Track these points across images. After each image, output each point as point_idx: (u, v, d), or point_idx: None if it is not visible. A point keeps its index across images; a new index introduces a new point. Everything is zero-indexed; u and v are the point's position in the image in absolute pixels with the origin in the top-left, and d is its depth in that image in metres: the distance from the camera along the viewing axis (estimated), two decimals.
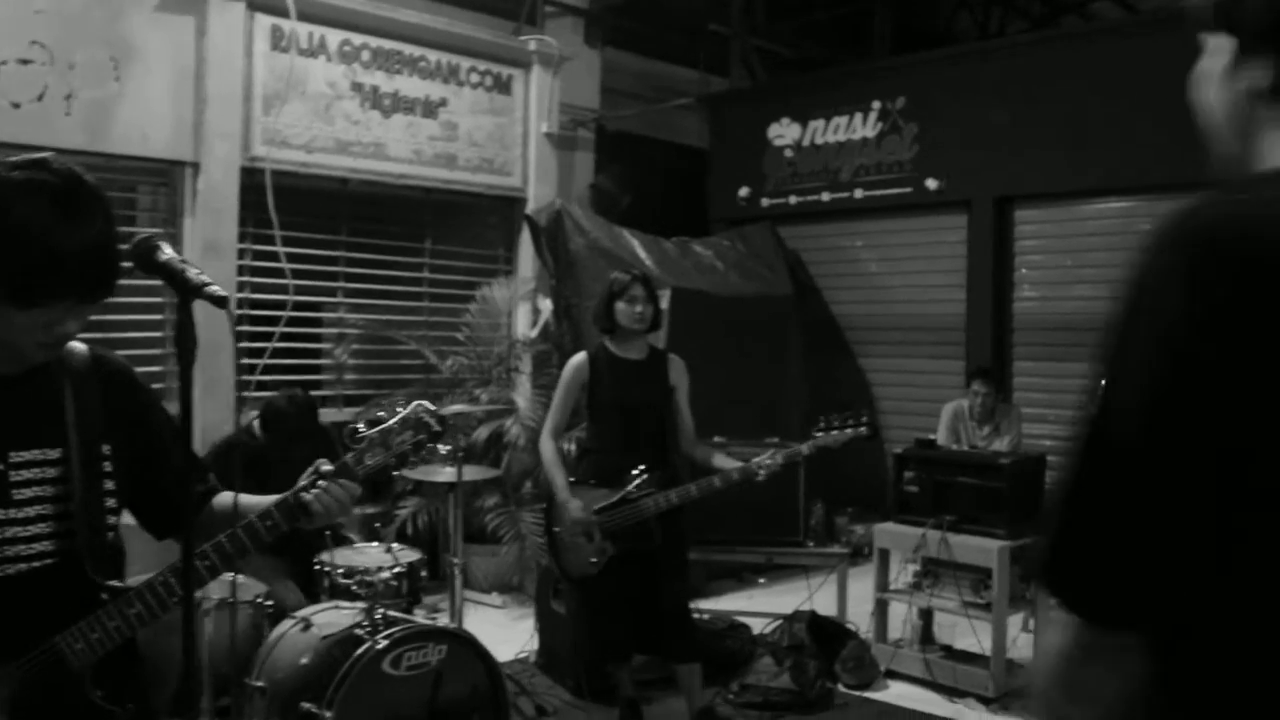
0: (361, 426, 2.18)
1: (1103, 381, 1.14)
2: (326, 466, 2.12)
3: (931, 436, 6.68)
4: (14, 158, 1.81)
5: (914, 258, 8.79)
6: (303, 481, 2.10)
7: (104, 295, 1.88)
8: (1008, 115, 7.94)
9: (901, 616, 5.72)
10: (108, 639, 1.96)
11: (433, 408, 2.23)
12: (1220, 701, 1.11)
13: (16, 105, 5.75)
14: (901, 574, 5.79)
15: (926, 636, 5.67)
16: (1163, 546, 1.09)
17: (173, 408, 5.65)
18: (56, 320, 1.84)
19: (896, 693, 5.48)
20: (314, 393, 7.01)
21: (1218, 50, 1.29)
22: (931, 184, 8.45)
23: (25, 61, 5.78)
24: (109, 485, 2.05)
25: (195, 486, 2.14)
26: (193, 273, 1.75)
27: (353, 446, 2.16)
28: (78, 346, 2.08)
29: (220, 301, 1.73)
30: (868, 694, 5.44)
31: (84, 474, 2.01)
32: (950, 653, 5.59)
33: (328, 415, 7.13)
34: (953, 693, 5.37)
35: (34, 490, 1.95)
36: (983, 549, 5.29)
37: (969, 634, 5.38)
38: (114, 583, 2.00)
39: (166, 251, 1.77)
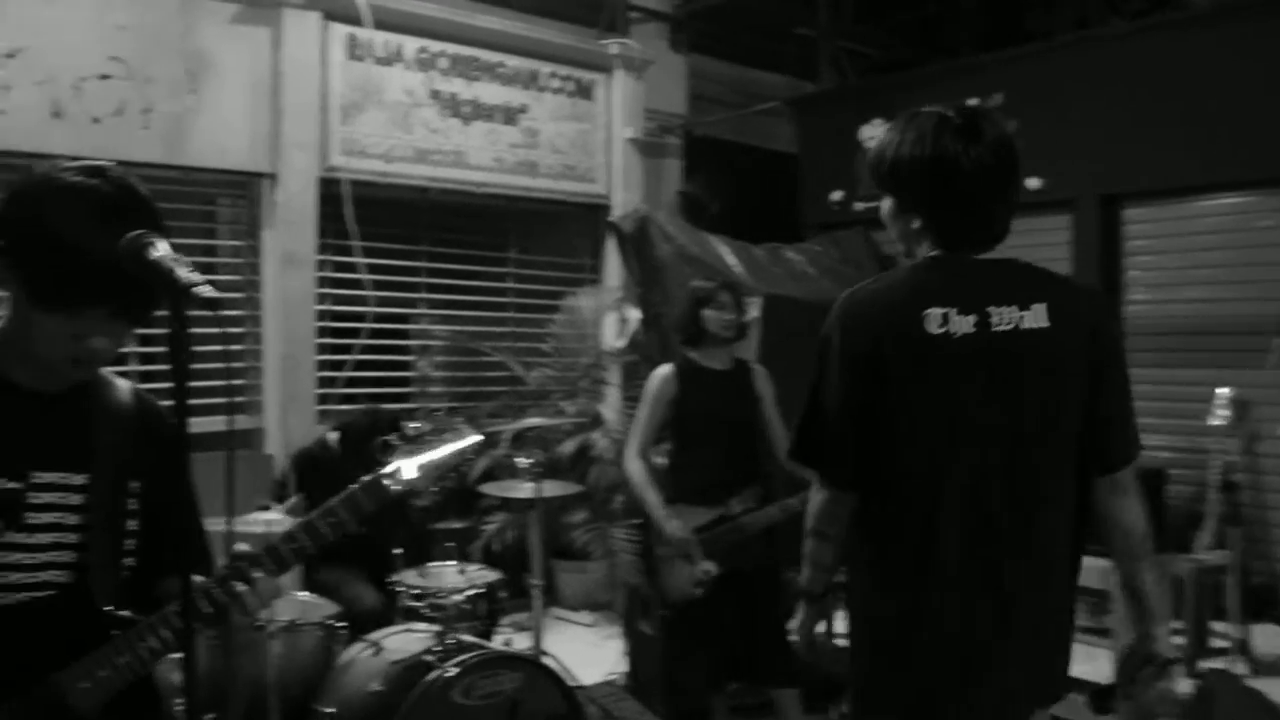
0: (395, 439, 1.98)
1: (817, 368, 2.31)
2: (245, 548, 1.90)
3: None
4: (78, 163, 1.72)
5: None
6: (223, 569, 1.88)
7: (139, 313, 1.75)
8: (1113, 109, 7.53)
9: None
10: (116, 676, 1.78)
11: (471, 416, 2.05)
12: (879, 524, 2.30)
13: (97, 120, 5.71)
14: None
15: None
16: (851, 451, 2.28)
17: (251, 421, 5.55)
18: (85, 331, 1.71)
19: None
20: (399, 406, 6.92)
21: (886, 199, 2.42)
22: (1033, 183, 8.03)
23: (105, 77, 5.75)
24: (131, 524, 1.90)
25: (199, 522, 1.96)
26: (183, 272, 1.55)
27: (384, 458, 1.97)
28: (122, 383, 1.97)
29: (211, 304, 1.53)
30: None
31: (109, 504, 1.86)
32: None
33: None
34: None
35: (52, 515, 1.80)
36: (1098, 570, 4.89)
37: (1082, 660, 4.99)
38: (125, 613, 1.83)
39: (158, 249, 1.58)
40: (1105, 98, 7.60)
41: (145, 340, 5.92)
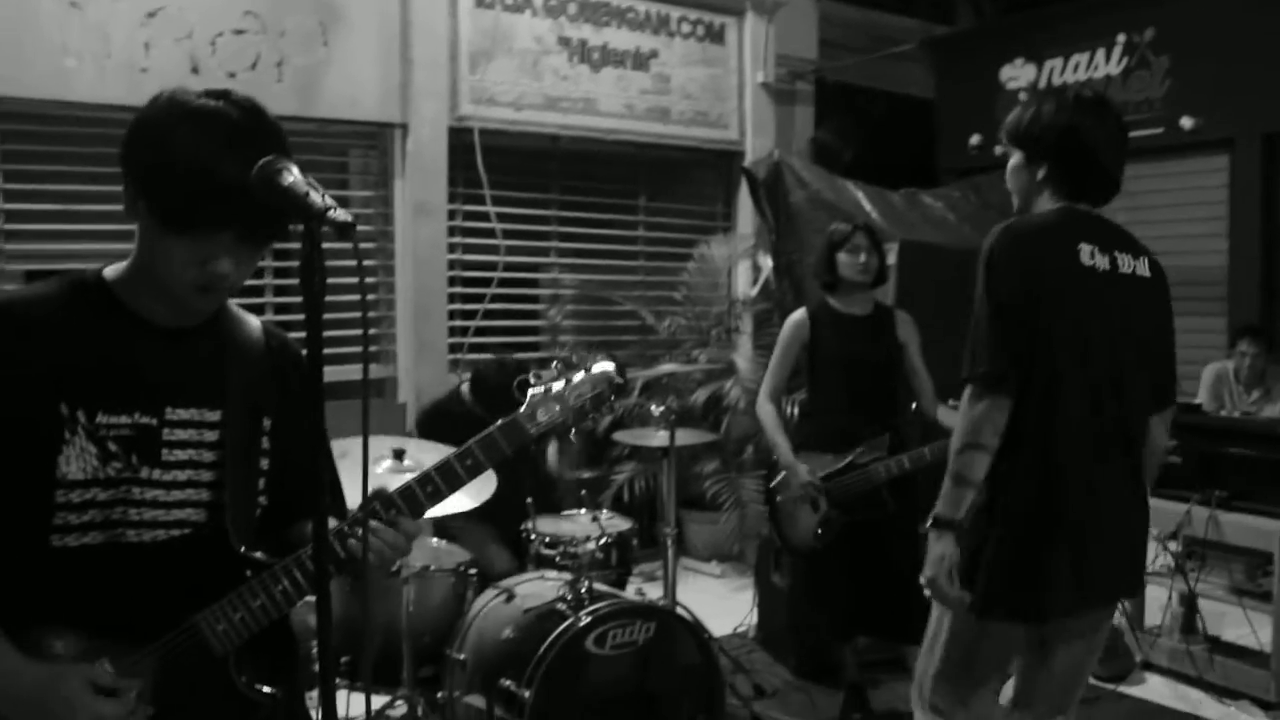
0: (532, 378, 1.91)
1: (985, 284, 2.65)
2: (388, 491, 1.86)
3: (1196, 401, 6.03)
4: (204, 88, 1.73)
5: (1168, 205, 7.97)
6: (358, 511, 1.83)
7: (263, 237, 1.73)
8: (1274, 41, 7.07)
9: (1160, 602, 5.11)
10: (252, 619, 1.77)
11: (614, 356, 1.96)
12: (1029, 424, 2.64)
13: (232, 75, 5.78)
14: (1160, 555, 5.15)
15: (1189, 626, 5.05)
16: (1012, 352, 2.61)
17: (383, 370, 5.61)
18: (211, 255, 1.69)
19: (1155, 688, 4.92)
20: (530, 355, 6.92)
21: (1015, 154, 2.84)
22: (1187, 123, 7.65)
23: (239, 32, 5.81)
24: (264, 463, 1.88)
25: (331, 463, 1.92)
26: (316, 197, 1.50)
27: (521, 398, 1.91)
28: (252, 319, 1.95)
29: (345, 230, 1.48)
30: (1121, 688, 4.91)
31: (243, 441, 1.84)
32: (1218, 646, 4.95)
33: None
34: (1222, 692, 4.76)
35: (188, 453, 1.80)
36: (1260, 530, 4.67)
37: (1241, 624, 4.77)
38: (259, 555, 1.81)
39: (292, 174, 1.54)
40: (1265, 29, 7.15)
41: (280, 291, 6.03)
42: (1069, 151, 2.73)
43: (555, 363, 1.97)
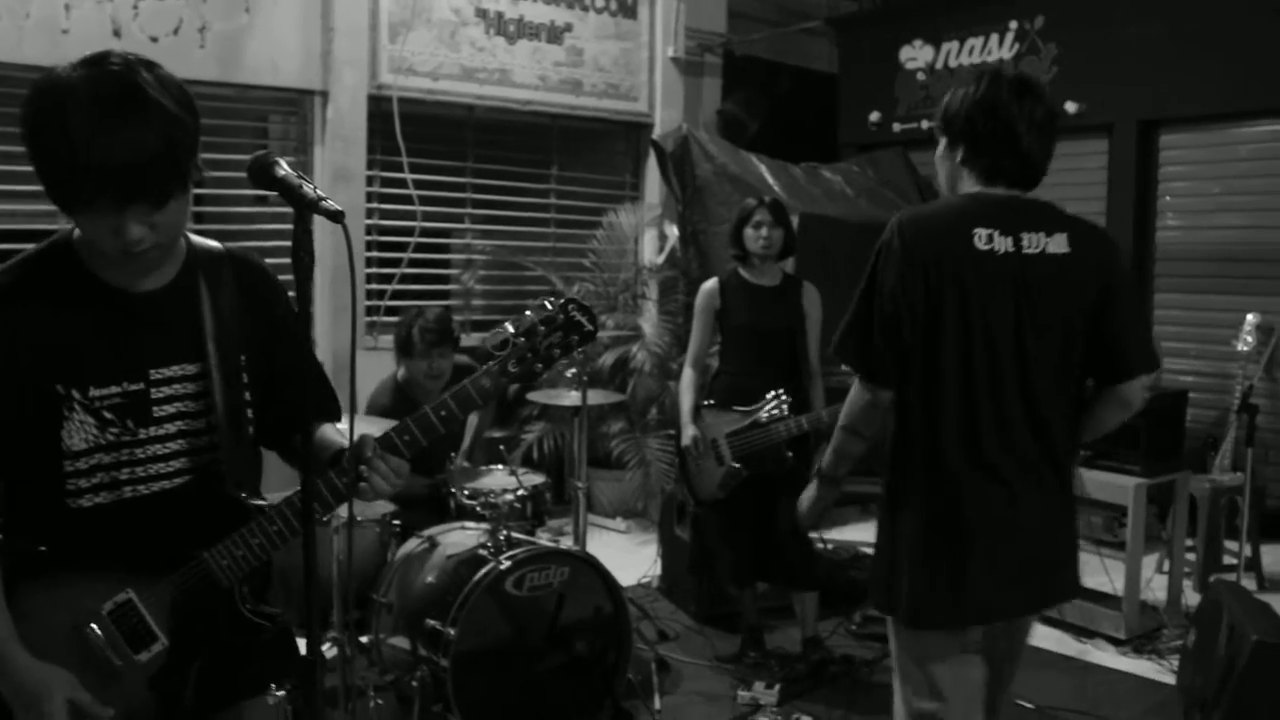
0: (509, 326, 2.04)
1: (870, 271, 2.63)
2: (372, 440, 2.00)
3: None
4: (84, 56, 1.73)
5: (1051, 184, 8.22)
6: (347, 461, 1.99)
7: (149, 203, 1.75)
8: (1154, 34, 7.52)
9: None
10: (251, 556, 1.98)
11: (584, 304, 2.09)
12: (913, 418, 2.64)
13: (155, 39, 5.86)
14: None
15: None
16: (896, 351, 2.59)
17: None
18: (117, 224, 1.74)
19: None
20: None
21: (941, 140, 2.75)
22: (1071, 107, 8.07)
23: None
24: (247, 396, 2.04)
25: (312, 399, 2.09)
26: (309, 188, 1.73)
27: (496, 354, 2.04)
28: (214, 246, 2.05)
29: (335, 216, 1.71)
30: None
31: (224, 387, 2.00)
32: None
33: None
34: (1080, 632, 5.23)
35: (175, 406, 1.96)
36: (1117, 486, 5.14)
37: (1099, 572, 5.22)
38: (255, 501, 2.02)
39: (283, 168, 1.76)
40: (1146, 22, 7.58)
41: None
42: (983, 130, 2.63)
43: (528, 311, 2.07)
